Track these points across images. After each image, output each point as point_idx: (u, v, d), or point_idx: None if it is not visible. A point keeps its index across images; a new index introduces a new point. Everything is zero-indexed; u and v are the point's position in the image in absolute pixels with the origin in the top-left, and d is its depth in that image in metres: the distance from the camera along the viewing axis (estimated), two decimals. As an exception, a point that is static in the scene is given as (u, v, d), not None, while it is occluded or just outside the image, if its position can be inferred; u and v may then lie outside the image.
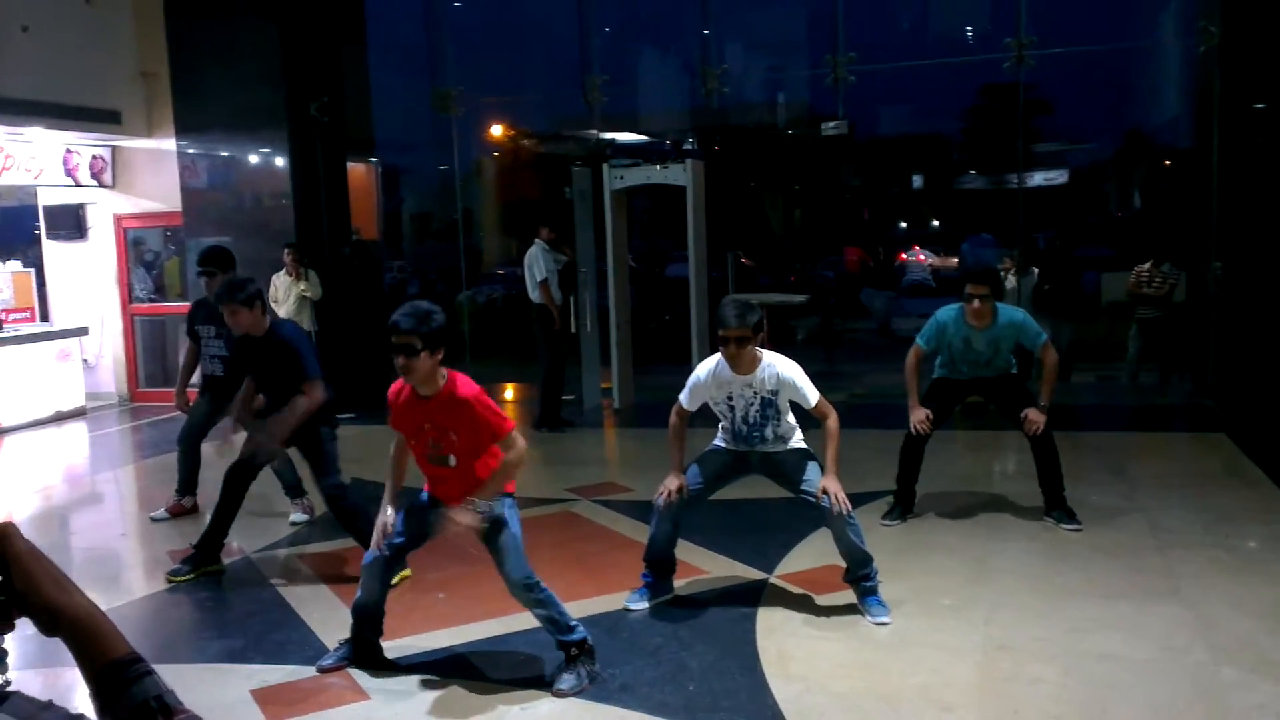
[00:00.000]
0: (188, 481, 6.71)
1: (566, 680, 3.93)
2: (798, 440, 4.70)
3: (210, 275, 6.22)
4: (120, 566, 5.97)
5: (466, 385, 3.87)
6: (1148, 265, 10.14)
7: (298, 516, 6.47)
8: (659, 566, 4.85)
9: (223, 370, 6.36)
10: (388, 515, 4.09)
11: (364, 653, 4.25)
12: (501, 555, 3.95)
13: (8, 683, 1.06)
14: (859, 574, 4.56)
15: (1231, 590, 4.67)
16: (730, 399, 4.62)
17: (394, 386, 3.99)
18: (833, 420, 4.56)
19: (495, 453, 3.96)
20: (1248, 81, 8.81)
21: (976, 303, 5.57)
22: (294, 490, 6.48)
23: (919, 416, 5.74)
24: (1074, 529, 5.62)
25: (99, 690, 1.13)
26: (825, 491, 4.45)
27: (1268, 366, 8.36)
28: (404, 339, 3.73)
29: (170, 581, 5.38)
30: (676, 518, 4.75)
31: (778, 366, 4.55)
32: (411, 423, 3.96)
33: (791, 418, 4.67)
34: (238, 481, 5.42)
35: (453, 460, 3.94)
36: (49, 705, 1.06)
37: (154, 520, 6.64)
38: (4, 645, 1.13)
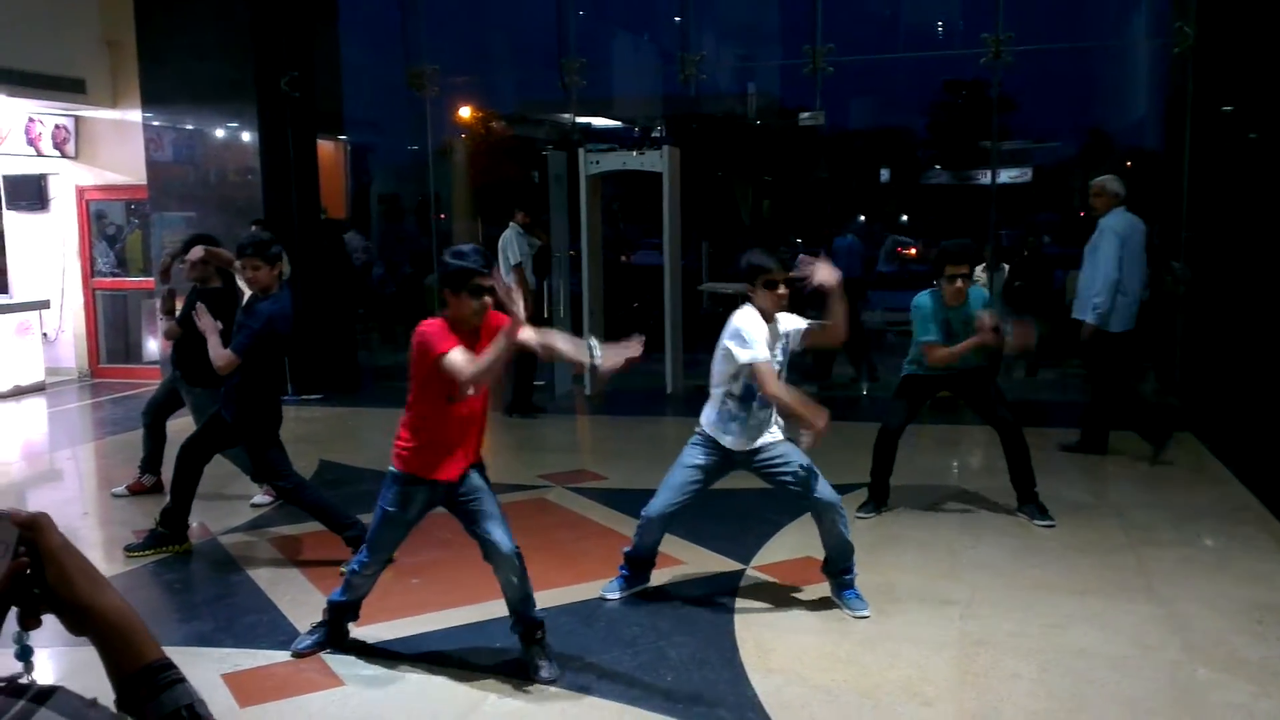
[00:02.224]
0: (151, 458, 6.58)
1: (549, 668, 3.90)
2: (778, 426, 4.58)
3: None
4: (82, 546, 5.80)
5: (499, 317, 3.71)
6: (1118, 264, 10.20)
7: (260, 499, 6.37)
8: (639, 564, 4.80)
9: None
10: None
11: (339, 636, 4.19)
12: (488, 522, 3.87)
13: (34, 681, 1.00)
14: (840, 567, 4.55)
15: (1203, 588, 4.71)
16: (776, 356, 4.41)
17: (436, 324, 3.72)
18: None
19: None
20: (1220, 84, 8.91)
21: (960, 282, 5.53)
22: (257, 474, 6.36)
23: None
24: (1046, 525, 5.65)
25: (125, 694, 1.09)
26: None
27: (1233, 366, 8.49)
28: (487, 281, 3.66)
29: (128, 556, 5.29)
30: (667, 525, 4.67)
31: (788, 317, 4.50)
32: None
33: None
34: (193, 457, 5.33)
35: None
36: (94, 703, 1.00)
37: (115, 496, 6.52)
38: (30, 643, 1.08)
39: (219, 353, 5.02)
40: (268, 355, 5.13)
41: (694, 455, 4.57)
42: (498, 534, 3.86)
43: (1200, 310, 9.12)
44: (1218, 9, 8.91)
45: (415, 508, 3.94)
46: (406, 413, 3.90)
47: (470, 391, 3.74)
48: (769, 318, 4.40)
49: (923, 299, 5.71)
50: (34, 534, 1.06)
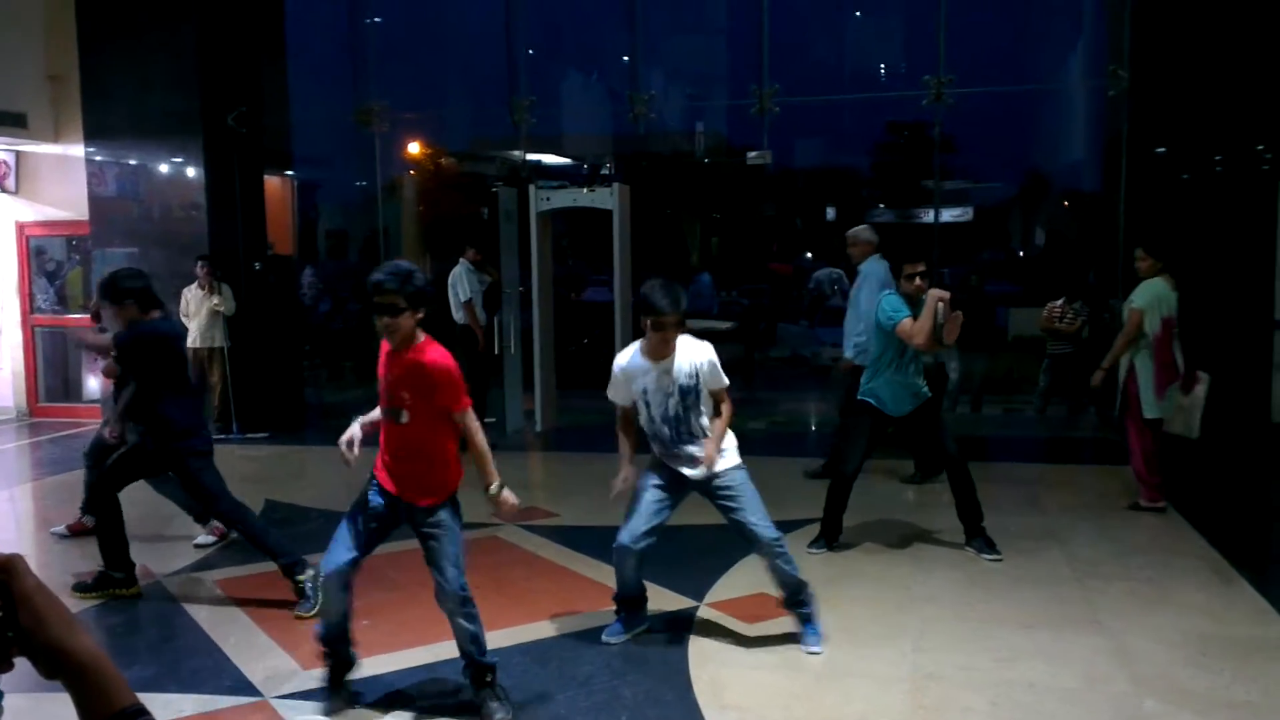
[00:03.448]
0: (92, 500, 6.41)
1: (501, 710, 3.84)
2: (732, 452, 4.55)
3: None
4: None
5: (437, 352, 3.89)
6: (1060, 302, 10.46)
7: (203, 539, 6.26)
8: (631, 603, 4.70)
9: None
10: (353, 429, 4.04)
11: (341, 674, 4.13)
12: (443, 561, 3.92)
13: None
14: (795, 599, 4.55)
15: (1147, 621, 4.79)
16: (646, 393, 4.38)
17: (384, 344, 3.95)
18: (727, 406, 4.51)
19: (448, 433, 4.09)
20: (1154, 125, 9.18)
21: (918, 280, 5.57)
22: (200, 514, 6.24)
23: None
24: (994, 559, 5.72)
25: None
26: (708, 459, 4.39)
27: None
28: (388, 299, 3.73)
29: (77, 596, 5.19)
30: (642, 553, 4.51)
31: (695, 349, 4.39)
32: (383, 374, 3.95)
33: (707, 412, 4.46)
34: (104, 493, 5.31)
35: (405, 416, 3.93)
36: None
37: (56, 536, 6.37)
38: (0, 687, 1.06)
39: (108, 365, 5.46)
40: (159, 376, 5.22)
41: (651, 477, 4.53)
42: (446, 573, 3.88)
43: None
44: (1151, 53, 9.19)
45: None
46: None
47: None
48: (657, 355, 4.35)
49: (887, 296, 5.72)
50: (7, 576, 1.05)
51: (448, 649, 4.45)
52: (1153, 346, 6.60)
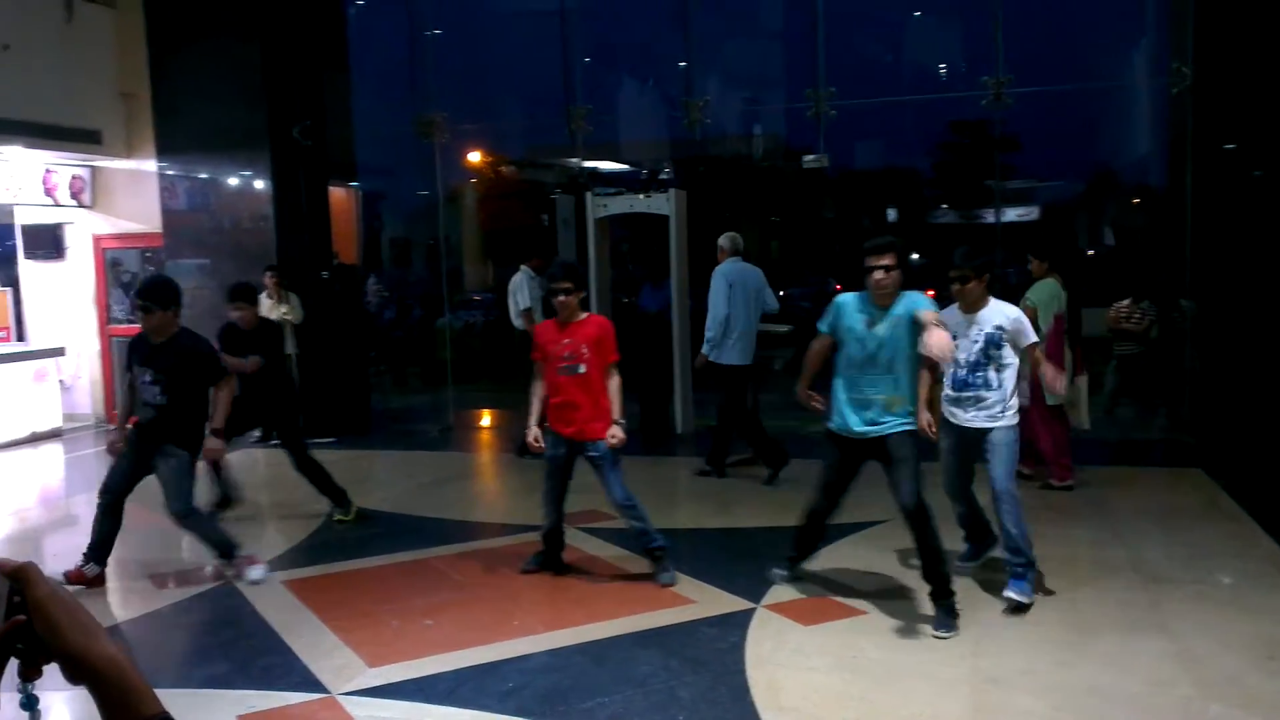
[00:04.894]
0: (102, 545, 5.69)
1: (664, 575, 5.38)
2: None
3: (148, 311, 5.55)
4: (100, 591, 5.88)
5: (602, 318, 5.73)
6: (1127, 302, 10.28)
7: (255, 573, 5.71)
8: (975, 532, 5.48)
9: (154, 416, 5.52)
10: (533, 430, 5.57)
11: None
12: (611, 480, 5.42)
13: None
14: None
15: (1215, 625, 4.71)
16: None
17: (541, 325, 5.81)
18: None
19: (603, 380, 5.42)
20: (1220, 122, 9.00)
21: (879, 274, 4.71)
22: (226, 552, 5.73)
23: (802, 397, 5.10)
24: (940, 635, 4.61)
25: None
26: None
27: (1243, 403, 8.50)
28: (562, 284, 5.39)
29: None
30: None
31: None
32: (553, 342, 5.42)
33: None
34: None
35: (583, 368, 5.34)
36: None
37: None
38: (35, 692, 1.07)
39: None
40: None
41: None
42: (614, 489, 5.41)
43: (1209, 347, 9.15)
44: (1214, 49, 9.02)
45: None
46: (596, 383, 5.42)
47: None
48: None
49: (846, 295, 5.00)
50: (21, 584, 1.06)
51: (509, 648, 4.59)
52: (1045, 340, 6.62)
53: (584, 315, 5.52)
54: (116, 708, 1.07)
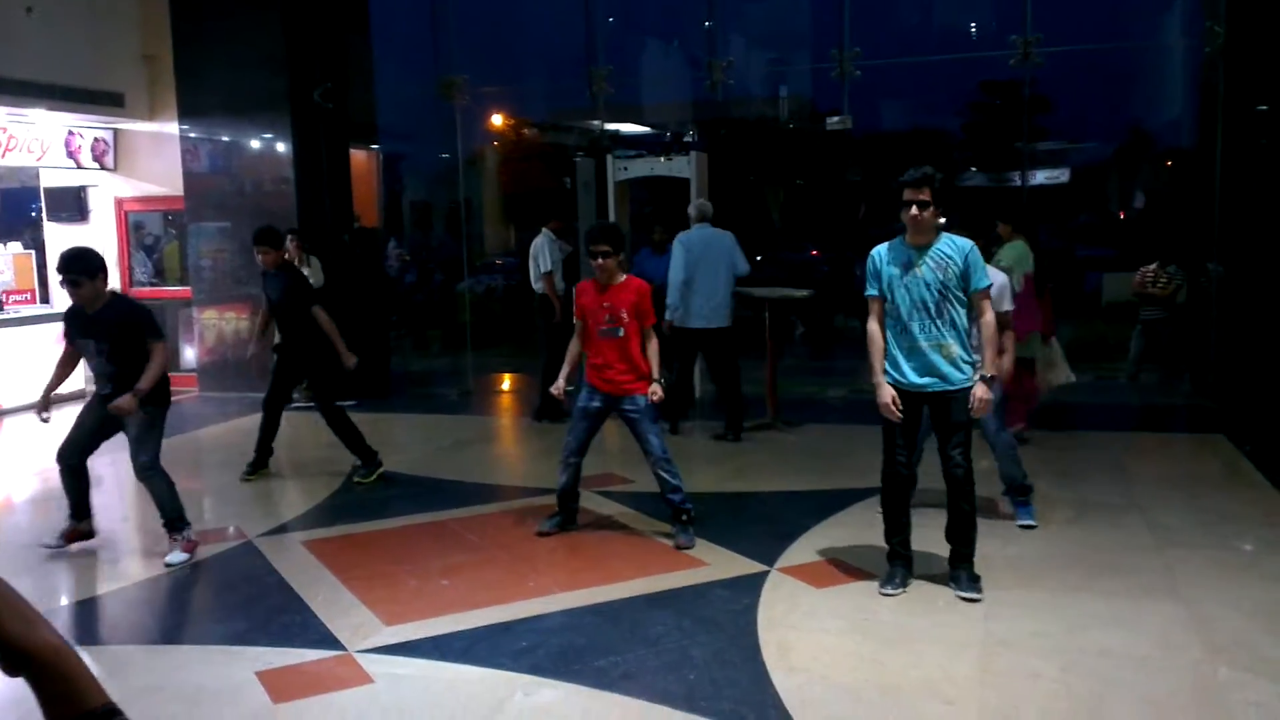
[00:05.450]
0: (79, 503, 5.80)
1: (684, 538, 5.46)
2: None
3: (76, 284, 5.32)
4: (119, 550, 5.98)
5: (640, 282, 5.62)
6: (1153, 266, 10.16)
7: (175, 557, 5.50)
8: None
9: (111, 386, 5.46)
10: (561, 384, 5.80)
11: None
12: (647, 433, 5.51)
13: None
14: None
15: (1228, 589, 4.70)
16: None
17: (582, 284, 5.72)
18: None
19: (639, 341, 5.54)
20: (1252, 83, 8.83)
21: (914, 209, 4.47)
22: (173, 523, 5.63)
23: (884, 399, 4.63)
24: (970, 598, 4.64)
25: None
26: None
27: (1268, 369, 8.40)
28: (601, 247, 5.45)
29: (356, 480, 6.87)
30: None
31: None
32: (595, 304, 5.51)
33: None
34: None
35: (622, 331, 5.47)
36: None
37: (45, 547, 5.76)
38: None
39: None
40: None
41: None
42: (652, 443, 5.51)
43: (1234, 312, 9.04)
44: (1248, 8, 8.83)
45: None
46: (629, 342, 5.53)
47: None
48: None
49: (878, 247, 4.74)
50: None
51: (524, 608, 4.65)
52: (1016, 301, 6.67)
53: (623, 277, 5.56)
54: (58, 699, 1.02)
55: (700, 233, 8.23)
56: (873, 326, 4.72)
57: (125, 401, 5.30)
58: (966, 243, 4.62)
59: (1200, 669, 3.91)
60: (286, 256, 9.74)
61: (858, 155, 23.16)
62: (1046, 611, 4.50)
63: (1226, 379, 9.06)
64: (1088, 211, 23.31)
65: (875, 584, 4.82)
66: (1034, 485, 5.84)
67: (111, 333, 5.39)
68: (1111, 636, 4.20)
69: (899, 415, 4.65)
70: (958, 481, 4.70)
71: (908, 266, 4.58)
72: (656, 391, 5.48)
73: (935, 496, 6.13)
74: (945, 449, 4.70)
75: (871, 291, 4.70)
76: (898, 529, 4.88)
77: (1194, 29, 10.15)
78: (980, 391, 4.57)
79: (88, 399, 5.79)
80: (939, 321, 4.56)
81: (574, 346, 5.74)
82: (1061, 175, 20.89)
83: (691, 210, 8.49)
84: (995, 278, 5.09)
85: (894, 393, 4.64)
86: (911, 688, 3.82)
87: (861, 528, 5.68)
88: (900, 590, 4.76)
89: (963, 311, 4.60)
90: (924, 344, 4.59)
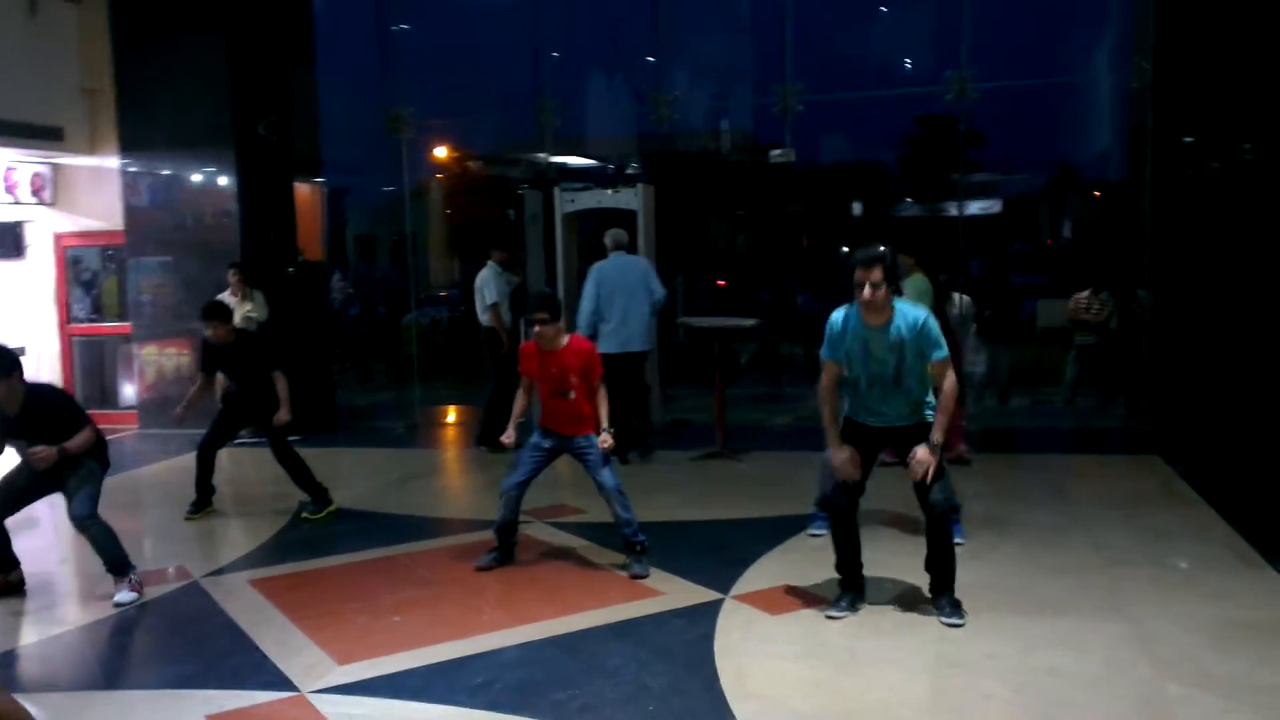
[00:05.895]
0: (3, 559, 5.62)
1: (637, 566, 5.50)
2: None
3: None
4: (57, 594, 5.83)
5: (584, 344, 5.75)
6: (1086, 293, 10.43)
7: (124, 596, 5.40)
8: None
9: (48, 467, 5.33)
10: (511, 432, 5.70)
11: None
12: (598, 469, 5.57)
13: None
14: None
15: (1172, 607, 4.81)
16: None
17: (525, 346, 5.75)
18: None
19: (587, 395, 5.65)
20: (1179, 116, 9.14)
21: (867, 290, 4.49)
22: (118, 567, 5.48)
23: (842, 457, 4.71)
24: (954, 623, 4.68)
25: None
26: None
27: (1199, 391, 8.67)
28: (541, 314, 5.50)
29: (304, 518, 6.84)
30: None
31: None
32: (540, 368, 5.61)
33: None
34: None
35: (572, 394, 5.56)
36: None
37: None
38: None
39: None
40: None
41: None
42: (604, 475, 5.56)
43: (1166, 338, 9.30)
44: (1174, 45, 9.15)
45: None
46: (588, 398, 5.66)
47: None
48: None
49: (837, 312, 4.76)
50: None
51: (479, 643, 4.61)
52: None
53: (565, 340, 5.61)
54: None
55: (615, 260, 8.47)
56: (826, 388, 4.81)
57: (44, 450, 5.19)
58: (920, 315, 4.62)
59: (1149, 687, 4.00)
60: (229, 291, 9.68)
61: (800, 186, 23.51)
62: (997, 633, 4.57)
63: (1160, 402, 9.30)
64: (1021, 240, 23.89)
65: (829, 608, 4.86)
66: (962, 505, 5.49)
67: (36, 428, 5.23)
68: (1062, 656, 4.28)
69: (858, 475, 4.75)
70: (935, 517, 4.74)
71: (865, 346, 4.66)
72: (607, 440, 5.56)
73: (890, 517, 6.23)
74: (919, 483, 4.69)
75: (827, 356, 4.78)
76: (846, 555, 4.94)
77: (1122, 65, 10.48)
78: (921, 454, 4.61)
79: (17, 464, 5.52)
80: (897, 389, 4.70)
81: (521, 399, 5.76)
82: (994, 206, 21.38)
83: (607, 240, 8.68)
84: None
85: (850, 452, 4.73)
86: (867, 712, 3.86)
87: (813, 553, 5.72)
88: (846, 613, 4.81)
89: (925, 377, 4.69)
90: (883, 408, 4.77)
